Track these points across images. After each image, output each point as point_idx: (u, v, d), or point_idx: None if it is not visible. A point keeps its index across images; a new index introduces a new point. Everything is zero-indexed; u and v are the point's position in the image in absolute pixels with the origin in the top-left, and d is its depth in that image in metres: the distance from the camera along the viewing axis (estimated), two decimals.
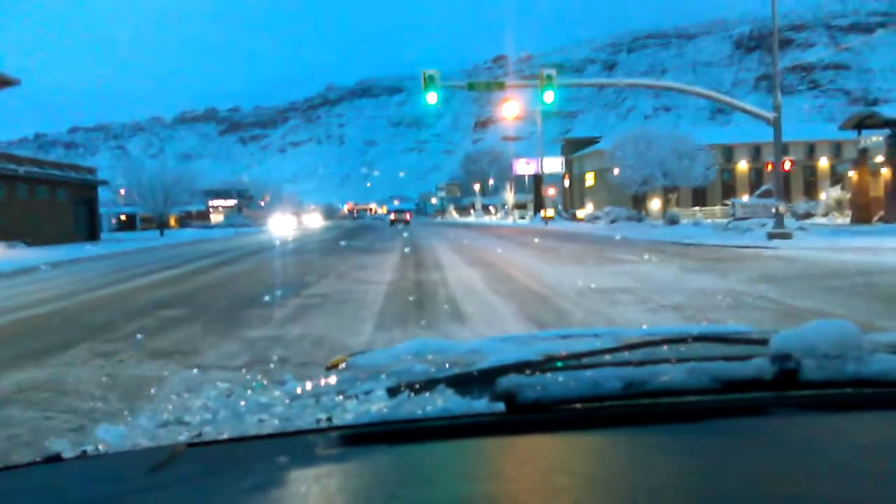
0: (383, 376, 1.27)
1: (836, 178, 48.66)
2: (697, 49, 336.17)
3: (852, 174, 38.37)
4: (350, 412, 1.08)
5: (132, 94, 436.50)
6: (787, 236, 21.51)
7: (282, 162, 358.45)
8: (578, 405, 1.03)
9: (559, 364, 1.30)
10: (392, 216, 71.70)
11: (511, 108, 33.15)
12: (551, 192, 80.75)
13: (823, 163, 68.18)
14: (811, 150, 69.45)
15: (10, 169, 38.66)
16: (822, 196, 51.17)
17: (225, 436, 1.04)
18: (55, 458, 1.01)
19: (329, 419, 1.06)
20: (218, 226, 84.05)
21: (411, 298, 10.30)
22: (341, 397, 1.15)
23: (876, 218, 34.78)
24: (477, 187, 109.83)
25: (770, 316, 7.79)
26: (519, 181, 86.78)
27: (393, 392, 1.13)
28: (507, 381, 1.05)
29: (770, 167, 33.93)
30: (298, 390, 1.28)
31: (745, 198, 45.60)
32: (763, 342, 1.21)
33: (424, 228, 51.96)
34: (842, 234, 24.33)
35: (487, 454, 0.92)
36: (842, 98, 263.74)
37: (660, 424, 0.95)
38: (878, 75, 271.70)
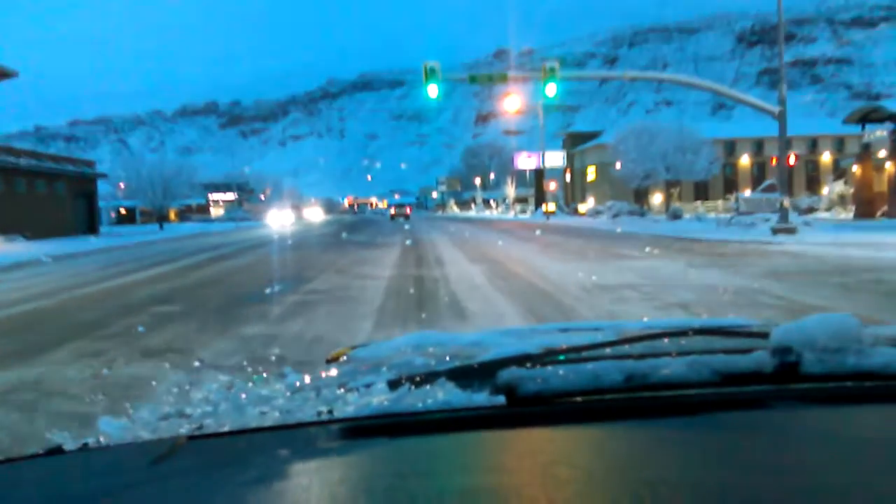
0: (384, 369, 1.29)
1: (839, 172, 48.38)
2: (699, 43, 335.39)
3: (856, 169, 38.13)
4: (351, 405, 1.08)
5: (133, 88, 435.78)
6: (791, 231, 21.29)
7: (283, 155, 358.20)
8: (579, 398, 1.03)
9: (560, 357, 1.30)
10: (392, 210, 71.70)
11: (512, 102, 32.87)
12: (552, 186, 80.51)
13: (826, 157, 67.93)
14: (813, 145, 69.20)
15: (8, 162, 38.45)
16: (825, 191, 50.95)
17: (226, 428, 1.04)
18: (57, 451, 1.01)
19: (330, 412, 1.06)
20: (218, 220, 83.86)
21: (412, 295, 10.09)
22: (342, 390, 1.15)
23: (879, 213, 34.58)
24: (478, 181, 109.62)
25: (782, 314, 7.57)
26: (520, 175, 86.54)
27: (394, 385, 1.14)
28: (507, 374, 1.04)
29: (774, 161, 33.69)
30: (299, 383, 1.28)
31: (748, 192, 45.40)
32: (763, 335, 1.21)
33: (425, 223, 51.76)
34: (846, 230, 24.14)
35: (488, 447, 0.93)
36: (844, 93, 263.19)
37: (660, 417, 0.96)
38: (880, 69, 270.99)
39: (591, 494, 0.72)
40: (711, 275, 11.68)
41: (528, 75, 24.84)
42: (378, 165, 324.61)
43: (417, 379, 1.15)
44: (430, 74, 20.82)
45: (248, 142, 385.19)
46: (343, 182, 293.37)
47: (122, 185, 60.57)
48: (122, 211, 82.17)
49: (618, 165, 49.89)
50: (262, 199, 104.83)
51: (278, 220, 59.77)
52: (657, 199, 57.47)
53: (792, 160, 28.39)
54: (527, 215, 68.07)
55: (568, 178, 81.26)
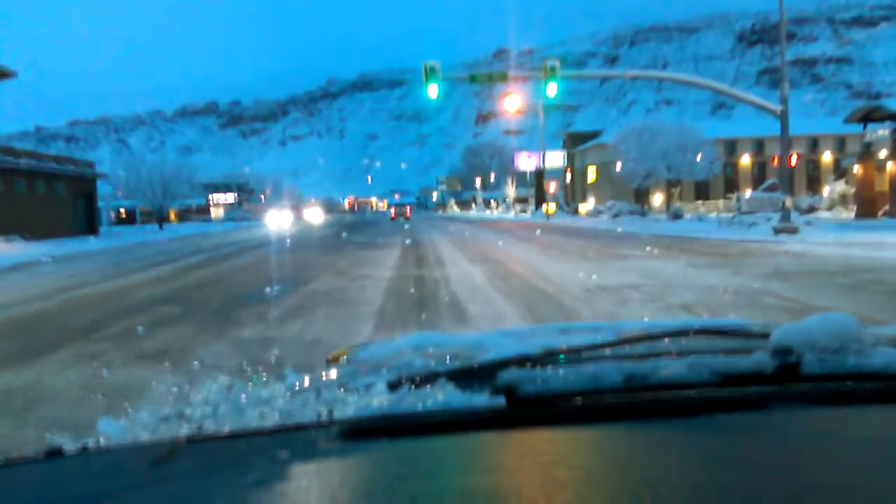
0: (384, 370, 1.29)
1: (840, 172, 48.24)
2: (699, 43, 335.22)
3: (857, 168, 37.99)
4: (351, 406, 1.08)
5: (133, 88, 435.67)
6: (793, 231, 21.16)
7: (282, 155, 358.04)
8: (579, 399, 1.03)
9: (560, 358, 1.30)
10: (392, 211, 71.64)
11: (513, 102, 32.72)
12: (553, 186, 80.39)
13: (826, 157, 67.79)
14: (814, 144, 69.04)
15: (7, 162, 38.32)
16: (826, 190, 50.79)
17: (226, 430, 1.04)
18: (56, 453, 1.01)
19: (330, 413, 1.06)
20: (218, 220, 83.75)
21: (412, 296, 9.99)
22: (342, 391, 1.15)
23: (881, 212, 34.44)
24: (478, 181, 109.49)
25: (788, 316, 7.46)
26: (520, 175, 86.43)
27: (394, 386, 1.14)
28: (507, 375, 1.04)
29: (776, 161, 33.56)
30: (299, 384, 1.28)
31: (748, 192, 45.28)
32: (764, 336, 1.21)
33: (425, 223, 51.65)
34: (848, 229, 24.02)
35: (488, 448, 0.93)
36: (844, 92, 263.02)
37: (660, 418, 0.95)
38: (880, 69, 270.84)
39: (590, 495, 0.72)
40: (714, 275, 11.56)
41: (528, 75, 24.73)
42: (378, 165, 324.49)
43: (417, 380, 1.15)
44: (430, 74, 20.71)
45: (248, 142, 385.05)
46: (343, 182, 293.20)
47: (119, 186, 60.38)
48: (122, 211, 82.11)
49: (618, 165, 49.79)
50: (263, 199, 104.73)
51: (277, 221, 59.32)
52: (658, 198, 57.35)
53: (794, 160, 28.24)
54: (527, 215, 67.96)
55: (568, 178, 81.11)
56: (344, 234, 31.59)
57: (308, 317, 8.30)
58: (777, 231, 21.45)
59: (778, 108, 21.31)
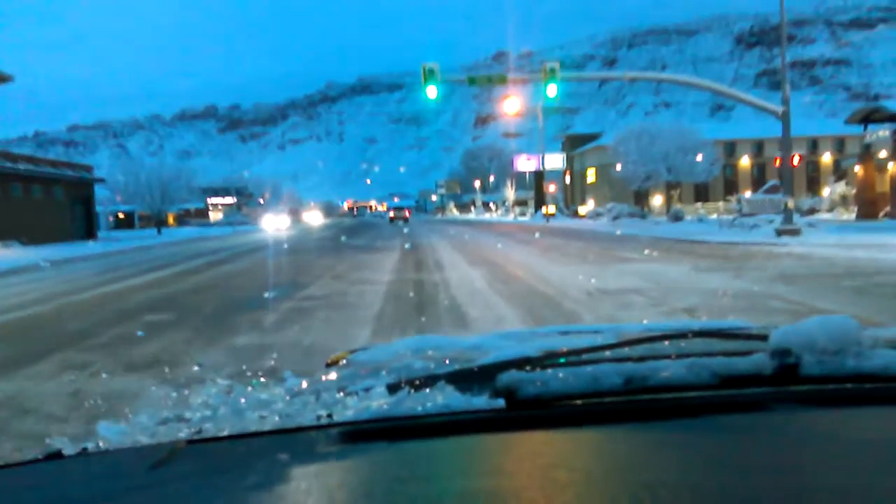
0: (383, 373, 1.29)
1: (840, 173, 48.11)
2: (698, 45, 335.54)
3: (858, 169, 37.85)
4: (350, 409, 1.09)
5: (132, 92, 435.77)
6: (795, 233, 20.99)
7: (282, 159, 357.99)
8: (578, 401, 1.03)
9: (559, 360, 1.30)
10: (391, 214, 71.53)
11: (512, 104, 32.58)
12: (552, 188, 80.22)
13: (826, 158, 67.69)
14: (813, 146, 68.92)
15: (4, 167, 38.16)
16: (826, 192, 50.67)
17: (225, 433, 1.04)
18: (56, 455, 1.01)
19: (329, 416, 1.06)
20: (217, 224, 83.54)
21: (411, 300, 9.81)
22: (341, 394, 1.15)
23: (882, 213, 34.30)
24: (477, 184, 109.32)
25: (796, 321, 7.27)
26: (520, 178, 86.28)
27: (393, 388, 1.14)
28: (507, 378, 1.04)
29: (778, 162, 33.40)
30: (298, 387, 1.28)
31: (748, 193, 45.13)
32: (763, 337, 1.20)
33: (425, 226, 51.48)
34: (850, 231, 23.85)
35: (488, 450, 0.93)
36: (842, 94, 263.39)
37: (660, 420, 0.95)
38: (878, 70, 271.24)
39: (590, 497, 0.72)
40: (718, 278, 11.39)
41: (527, 77, 24.56)
42: (377, 169, 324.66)
43: (417, 382, 1.14)
44: (429, 75, 20.56)
45: (247, 146, 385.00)
46: (342, 185, 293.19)
47: (118, 190, 60.17)
48: (121, 215, 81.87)
49: (618, 167, 49.61)
50: (261, 202, 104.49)
51: (273, 224, 58.71)
52: (657, 200, 57.20)
53: (796, 160, 28.10)
54: (526, 218, 67.81)
55: (567, 180, 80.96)
56: (342, 238, 31.42)
57: (305, 322, 8.12)
58: (779, 233, 21.28)
59: (779, 108, 21.16)
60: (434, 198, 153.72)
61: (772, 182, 38.14)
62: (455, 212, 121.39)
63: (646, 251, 17.61)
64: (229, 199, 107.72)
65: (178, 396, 1.27)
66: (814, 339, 1.04)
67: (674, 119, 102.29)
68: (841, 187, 45.22)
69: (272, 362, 5.87)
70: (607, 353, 1.31)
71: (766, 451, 0.84)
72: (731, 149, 68.42)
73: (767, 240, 20.55)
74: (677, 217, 38.04)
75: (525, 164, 75.68)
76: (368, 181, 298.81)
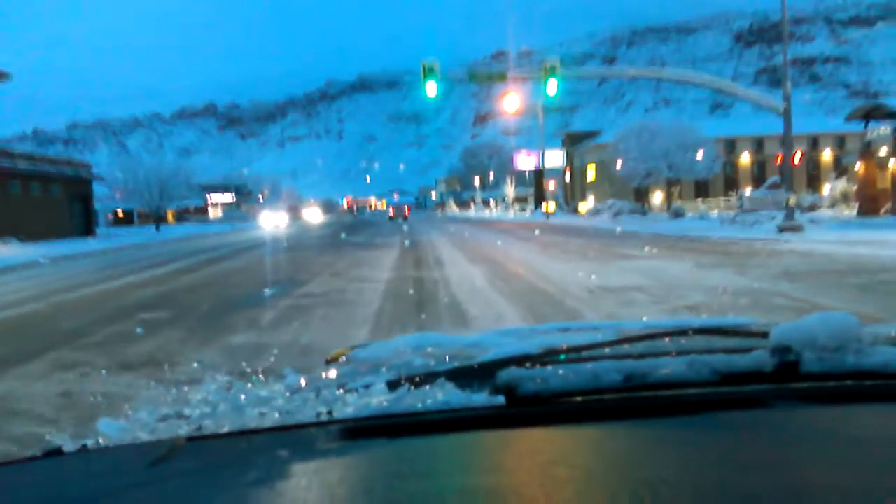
0: (383, 370, 1.29)
1: (841, 170, 48.02)
2: (697, 43, 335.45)
3: (859, 166, 37.72)
4: (350, 406, 1.08)
5: (131, 90, 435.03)
6: (797, 229, 20.87)
7: (281, 157, 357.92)
8: (578, 398, 1.03)
9: (559, 357, 1.30)
10: (391, 211, 71.45)
11: (512, 102, 32.43)
12: (552, 185, 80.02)
13: (826, 155, 67.58)
14: (814, 143, 68.76)
15: (2, 164, 38.01)
16: (826, 188, 50.52)
17: (225, 429, 1.04)
18: (56, 453, 1.01)
19: (329, 413, 1.06)
20: (216, 221, 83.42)
21: (411, 298, 9.68)
22: (341, 391, 1.15)
23: (883, 210, 34.16)
24: (477, 181, 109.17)
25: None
26: (519, 175, 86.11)
27: (393, 385, 1.14)
28: (506, 375, 1.04)
29: (780, 159, 33.28)
30: (298, 384, 1.28)
31: (749, 190, 45.01)
32: (763, 335, 1.21)
33: (424, 223, 51.34)
34: (851, 227, 23.72)
35: (487, 447, 0.93)
36: (842, 91, 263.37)
37: (660, 417, 0.95)
38: (878, 68, 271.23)
39: (590, 494, 0.72)
40: (721, 275, 11.25)
41: (527, 74, 24.41)
42: (377, 166, 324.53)
43: (417, 379, 1.14)
44: (429, 72, 20.41)
45: (247, 143, 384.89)
46: (342, 183, 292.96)
47: (117, 188, 60.08)
48: (120, 213, 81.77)
49: (619, 164, 49.45)
50: (261, 200, 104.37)
51: (271, 222, 58.15)
52: (657, 197, 57.06)
53: (798, 157, 27.96)
54: (526, 215, 67.63)
55: (567, 177, 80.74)
56: (342, 235, 31.28)
57: (304, 319, 8.00)
58: (781, 229, 21.15)
59: (781, 105, 21.03)
60: (434, 195, 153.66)
61: (773, 179, 38.03)
62: (455, 209, 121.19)
63: (647, 248, 17.47)
64: (229, 197, 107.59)
65: (177, 393, 1.26)
66: (814, 336, 1.04)
67: (674, 116, 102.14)
68: (841, 184, 45.05)
69: (268, 363, 5.74)
70: (607, 350, 1.31)
71: (766, 448, 0.83)
72: (731, 146, 68.28)
73: (769, 236, 20.42)
74: (678, 214, 37.89)
75: (525, 161, 75.54)
76: (368, 178, 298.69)
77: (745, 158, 69.19)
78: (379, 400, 1.07)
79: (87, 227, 47.34)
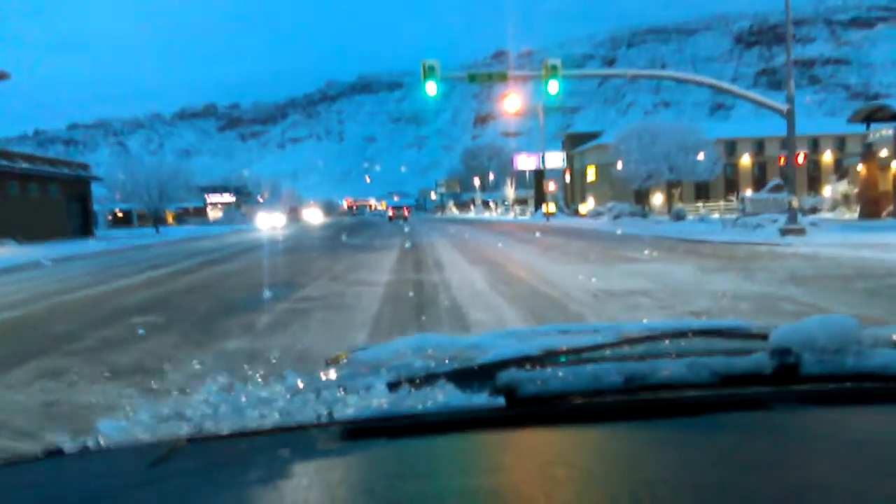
0: (383, 371, 1.29)
1: (842, 172, 47.81)
2: (697, 44, 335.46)
3: (860, 168, 37.57)
4: (350, 407, 1.09)
5: (131, 91, 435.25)
6: (800, 232, 20.69)
7: (281, 158, 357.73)
8: (578, 399, 1.03)
9: (559, 359, 1.30)
10: (390, 212, 71.41)
11: (512, 102, 32.25)
12: (552, 187, 79.86)
13: (827, 157, 67.45)
14: (814, 145, 68.63)
15: (1, 165, 37.86)
16: (827, 190, 50.34)
17: (225, 430, 1.04)
18: (56, 453, 1.01)
19: (329, 414, 1.06)
20: (215, 222, 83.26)
21: (410, 302, 9.51)
22: (342, 392, 1.15)
23: (885, 213, 34.03)
24: (477, 182, 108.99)
25: None
26: (519, 176, 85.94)
27: (393, 387, 1.14)
28: (507, 376, 1.05)
29: (782, 161, 33.13)
30: (299, 385, 1.28)
31: (749, 192, 44.82)
32: (763, 337, 1.21)
33: (424, 224, 51.17)
34: (854, 230, 23.55)
35: (487, 448, 0.93)
36: (842, 93, 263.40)
37: (660, 418, 0.96)
38: (878, 69, 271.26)
39: (590, 495, 0.72)
40: (726, 280, 11.09)
41: (528, 75, 24.25)
42: (377, 168, 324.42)
43: (417, 381, 1.15)
44: (429, 72, 20.25)
45: (247, 144, 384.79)
46: (342, 184, 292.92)
47: (117, 189, 59.96)
48: (120, 214, 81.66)
49: (619, 166, 49.29)
50: (261, 201, 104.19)
51: (268, 223, 57.57)
52: (658, 199, 56.91)
53: (801, 159, 27.78)
54: (527, 216, 67.49)
55: (568, 178, 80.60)
56: (342, 237, 31.12)
57: (302, 322, 7.83)
58: (784, 232, 20.97)
59: (784, 106, 20.86)
60: (434, 196, 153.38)
61: (775, 181, 37.84)
62: (455, 210, 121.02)
63: (649, 251, 17.31)
64: (228, 198, 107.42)
65: (178, 394, 1.24)
66: (814, 339, 1.04)
67: (674, 118, 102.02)
68: (843, 186, 44.89)
69: (265, 370, 5.58)
70: (607, 352, 1.31)
71: (765, 450, 0.83)
72: (731, 147, 68.16)
73: (772, 240, 20.24)
74: (679, 216, 37.71)
75: (525, 162, 75.30)
76: (368, 180, 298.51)
77: (746, 160, 69.07)
78: (379, 401, 1.08)
79: (85, 227, 47.21)
